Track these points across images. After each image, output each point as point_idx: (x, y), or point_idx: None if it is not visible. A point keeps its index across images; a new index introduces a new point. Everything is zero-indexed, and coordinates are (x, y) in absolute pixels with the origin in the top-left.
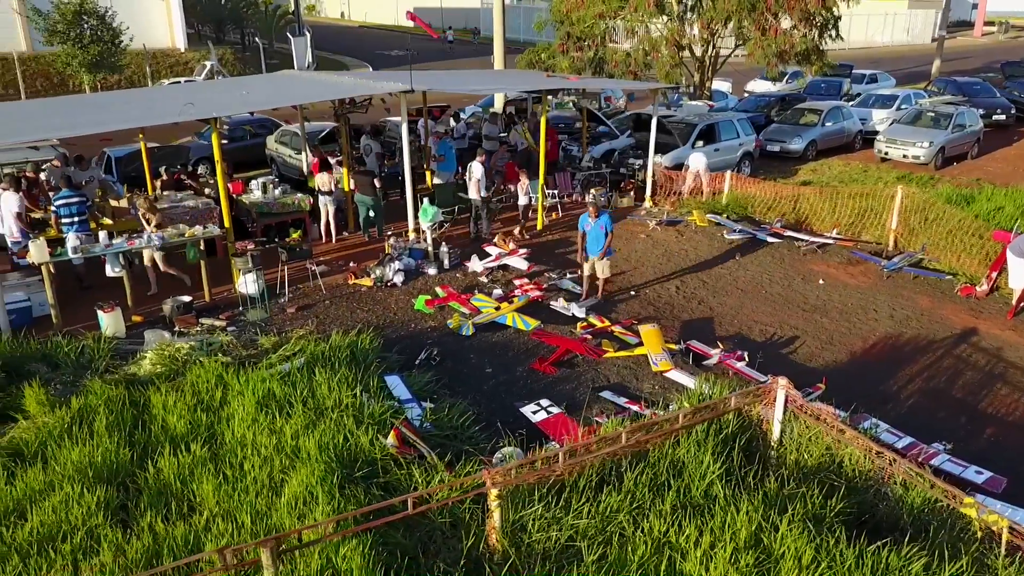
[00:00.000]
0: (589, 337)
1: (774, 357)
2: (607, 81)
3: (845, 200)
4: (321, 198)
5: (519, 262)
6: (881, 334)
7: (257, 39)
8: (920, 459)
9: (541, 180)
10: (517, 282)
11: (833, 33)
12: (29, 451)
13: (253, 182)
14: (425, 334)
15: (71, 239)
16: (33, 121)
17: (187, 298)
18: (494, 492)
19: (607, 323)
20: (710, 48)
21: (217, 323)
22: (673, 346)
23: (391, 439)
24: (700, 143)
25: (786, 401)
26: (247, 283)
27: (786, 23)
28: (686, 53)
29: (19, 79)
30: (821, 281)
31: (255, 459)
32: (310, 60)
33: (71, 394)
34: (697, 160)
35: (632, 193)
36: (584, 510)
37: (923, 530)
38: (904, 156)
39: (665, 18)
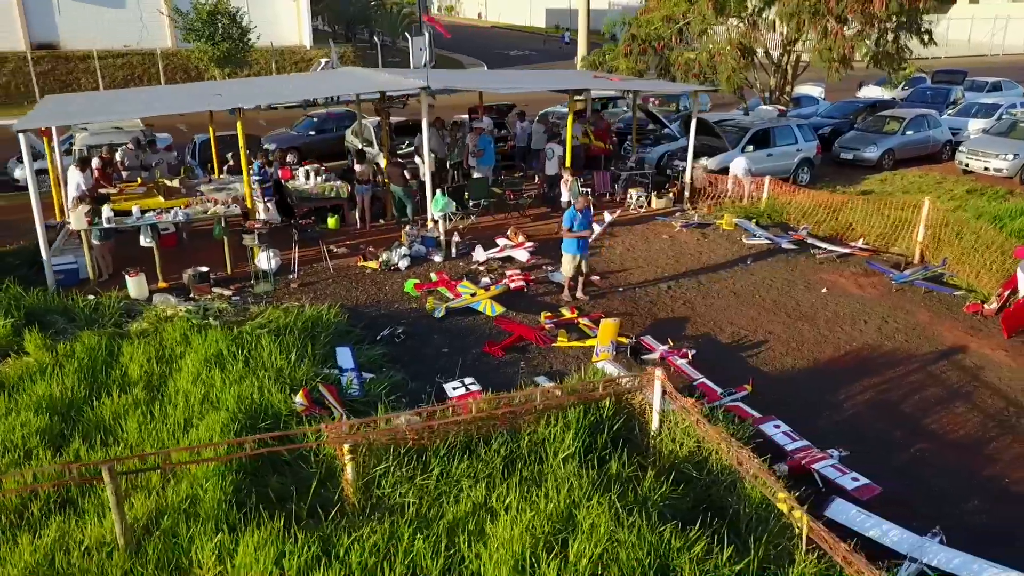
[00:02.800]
0: (550, 326)
1: (732, 359)
2: (646, 82)
3: (880, 210)
4: (358, 186)
5: (521, 254)
6: (858, 345)
7: (376, 38)
8: (804, 461)
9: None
10: (508, 272)
11: (926, 37)
12: (9, 383)
13: (300, 170)
14: (402, 314)
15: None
16: (105, 107)
17: (205, 269)
18: (345, 447)
19: (575, 314)
20: (788, 52)
21: (226, 293)
22: (624, 340)
23: (299, 397)
24: (751, 148)
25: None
26: (263, 259)
27: (851, 26)
28: (761, 56)
29: (160, 73)
30: (824, 290)
31: (181, 405)
32: (426, 59)
33: (65, 341)
34: (737, 165)
35: (672, 195)
36: (436, 473)
37: (762, 522)
38: (985, 168)
39: (734, 21)
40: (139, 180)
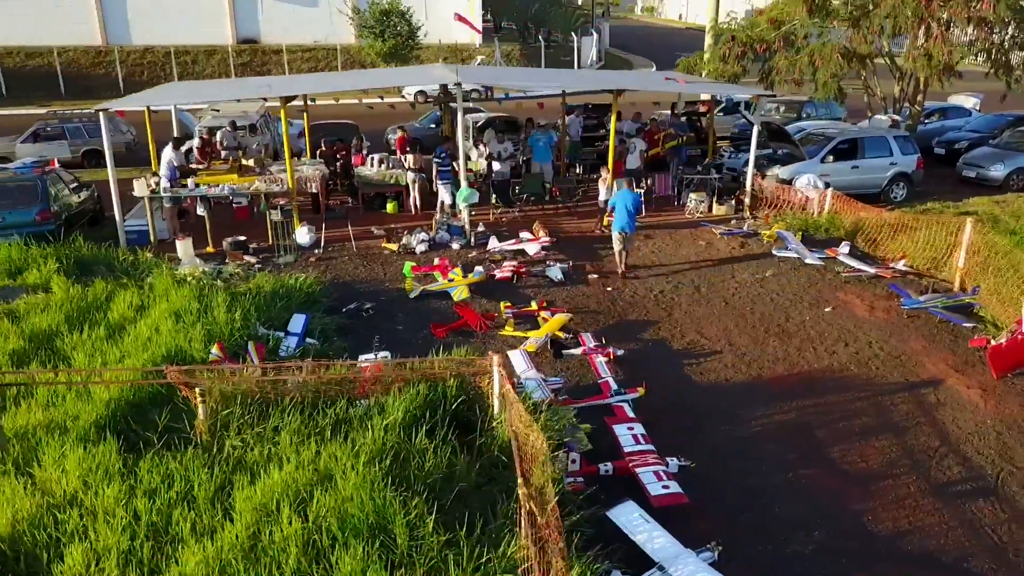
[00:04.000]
0: (509, 316)
1: (670, 365)
2: (706, 85)
3: (934, 230)
4: (409, 174)
5: (533, 248)
6: (819, 366)
7: (541, 37)
8: (631, 464)
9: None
10: (506, 263)
11: None
12: (19, 312)
13: (371, 157)
14: (386, 292)
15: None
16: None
17: (243, 238)
18: (196, 391)
19: (535, 308)
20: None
21: (252, 260)
22: (561, 334)
23: (214, 349)
24: (831, 158)
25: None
26: (301, 234)
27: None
28: (884, 61)
29: (339, 67)
30: (829, 309)
31: (126, 343)
32: (594, 58)
33: (84, 286)
34: (802, 179)
35: (735, 202)
36: (271, 425)
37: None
38: None
39: (836, 23)
40: (232, 159)
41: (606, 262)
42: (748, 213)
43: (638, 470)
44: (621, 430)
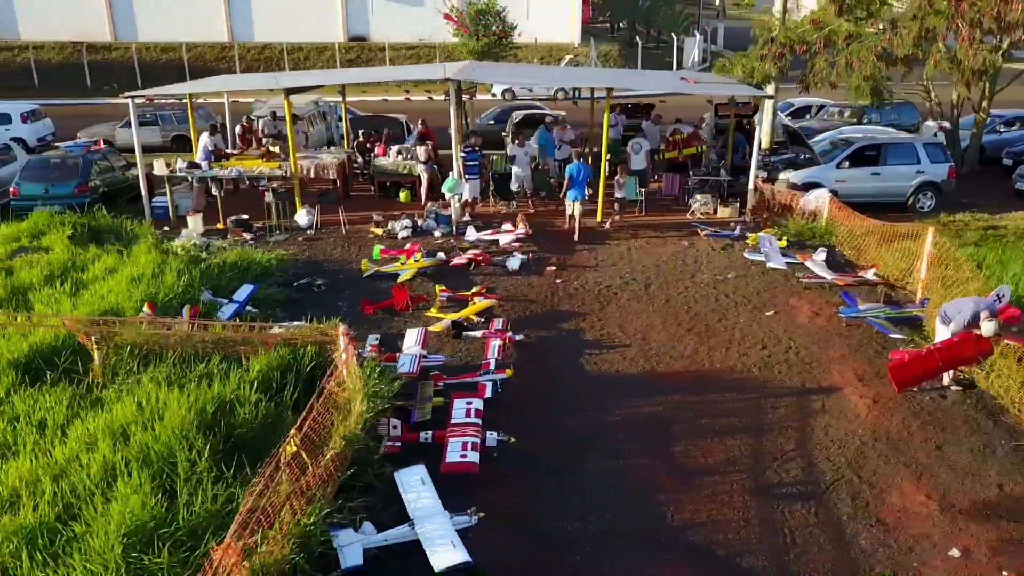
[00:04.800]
0: (444, 299)
1: (571, 353)
2: (715, 86)
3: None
4: (419, 166)
5: (506, 238)
6: (717, 367)
7: (638, 38)
8: (450, 435)
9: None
10: (470, 252)
11: None
12: (15, 268)
13: (392, 147)
14: (346, 271)
15: None
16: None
17: (245, 216)
18: (92, 339)
19: (469, 293)
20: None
21: (247, 236)
22: (475, 318)
23: (145, 308)
24: (847, 164)
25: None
26: (302, 215)
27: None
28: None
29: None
30: (770, 313)
31: (83, 298)
32: (696, 59)
33: (81, 249)
34: (814, 192)
35: (739, 205)
36: (149, 372)
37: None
38: None
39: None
40: (263, 146)
41: (574, 257)
42: (749, 216)
43: (450, 439)
44: (459, 404)
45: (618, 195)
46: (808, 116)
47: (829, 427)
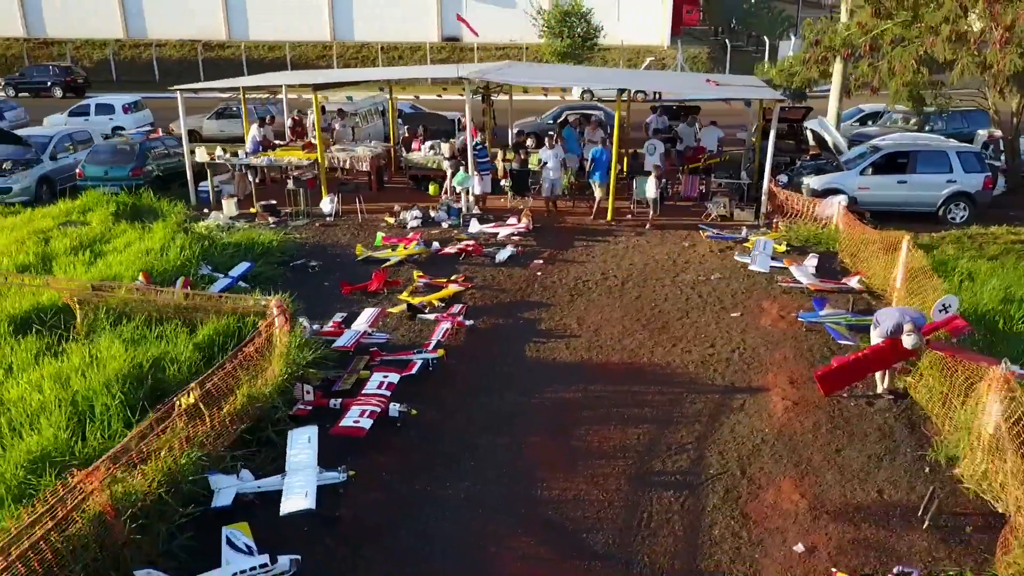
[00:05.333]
0: (421, 284)
1: (518, 340)
2: (734, 90)
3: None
4: (444, 161)
5: (505, 231)
6: (660, 361)
7: (727, 40)
8: (352, 402)
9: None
10: (464, 243)
11: None
12: (52, 238)
13: (426, 144)
14: (344, 255)
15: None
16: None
17: (273, 202)
18: (75, 299)
19: (444, 280)
20: None
21: (271, 220)
22: (436, 302)
23: (140, 277)
24: (870, 170)
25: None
26: (326, 202)
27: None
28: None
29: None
30: (736, 314)
31: (97, 265)
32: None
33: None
34: (833, 200)
35: (755, 208)
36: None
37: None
38: None
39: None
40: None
41: (567, 252)
42: (762, 221)
43: (352, 406)
44: (377, 377)
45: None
46: (869, 123)
47: (738, 425)
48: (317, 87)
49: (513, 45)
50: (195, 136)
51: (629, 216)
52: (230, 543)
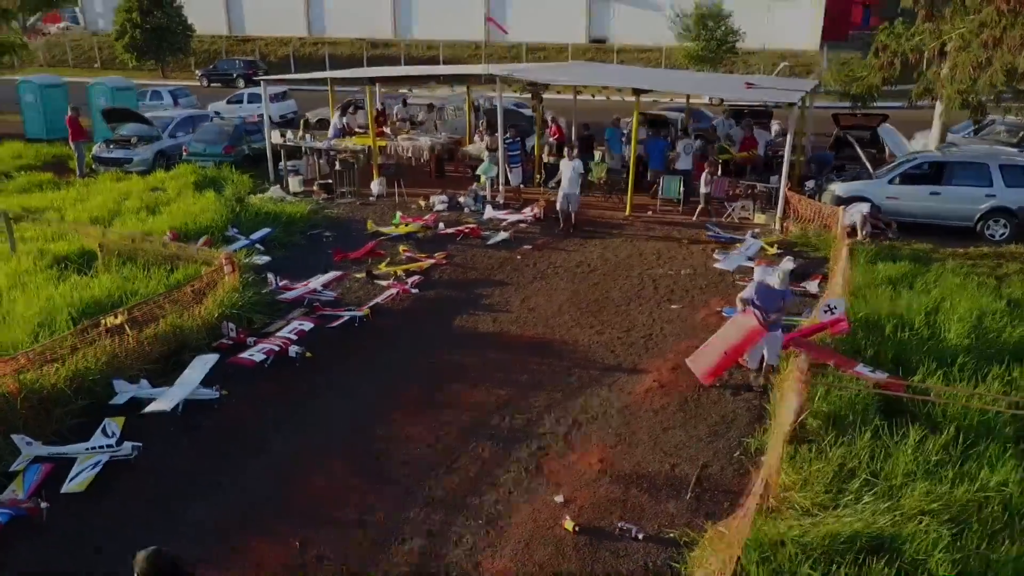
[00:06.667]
0: (406, 257)
1: (459, 310)
2: (763, 91)
3: None
4: (485, 153)
5: (515, 218)
6: (569, 339)
7: None
8: (263, 342)
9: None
10: (466, 225)
11: None
12: (130, 198)
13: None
14: (358, 229)
15: None
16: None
17: (329, 181)
18: (98, 244)
19: (423, 255)
20: None
21: (323, 195)
22: (399, 272)
23: (168, 233)
24: (898, 180)
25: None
26: (375, 185)
27: None
28: None
29: (663, 67)
30: (675, 306)
31: (148, 221)
32: None
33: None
34: (856, 208)
35: (777, 211)
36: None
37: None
38: None
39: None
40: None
41: (563, 242)
42: (778, 224)
43: (260, 344)
44: (295, 324)
45: (704, 190)
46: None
47: (594, 397)
48: (373, 81)
49: (655, 47)
50: (324, 125)
51: (649, 212)
52: (104, 430)
